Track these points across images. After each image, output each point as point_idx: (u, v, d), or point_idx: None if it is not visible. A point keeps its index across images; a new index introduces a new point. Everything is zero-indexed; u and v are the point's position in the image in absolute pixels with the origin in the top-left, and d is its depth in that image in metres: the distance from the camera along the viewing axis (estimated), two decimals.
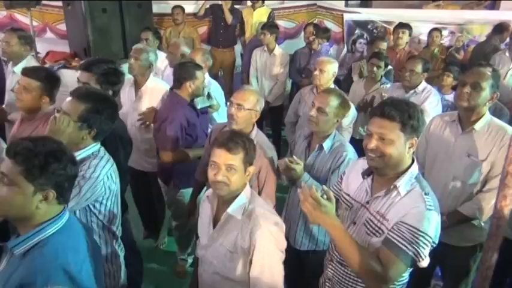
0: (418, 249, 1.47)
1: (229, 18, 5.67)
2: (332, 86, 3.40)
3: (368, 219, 1.63)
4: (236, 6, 5.93)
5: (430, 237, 1.50)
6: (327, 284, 1.85)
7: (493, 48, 4.93)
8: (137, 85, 3.18)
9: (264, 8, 5.85)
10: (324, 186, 1.55)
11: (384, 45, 4.42)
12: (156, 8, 5.42)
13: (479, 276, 1.92)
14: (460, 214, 2.31)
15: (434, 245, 1.54)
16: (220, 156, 1.69)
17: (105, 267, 2.02)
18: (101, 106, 1.91)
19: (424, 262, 1.52)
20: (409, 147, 1.56)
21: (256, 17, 5.76)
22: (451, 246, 2.35)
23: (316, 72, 3.33)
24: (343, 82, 4.61)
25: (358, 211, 1.70)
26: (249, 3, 6.15)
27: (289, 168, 2.19)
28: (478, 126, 2.30)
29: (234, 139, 1.70)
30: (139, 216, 3.57)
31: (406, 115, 1.52)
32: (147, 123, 3.10)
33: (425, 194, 1.54)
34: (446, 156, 2.39)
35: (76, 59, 4.73)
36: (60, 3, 5.11)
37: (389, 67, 4.19)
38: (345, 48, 6.35)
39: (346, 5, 6.73)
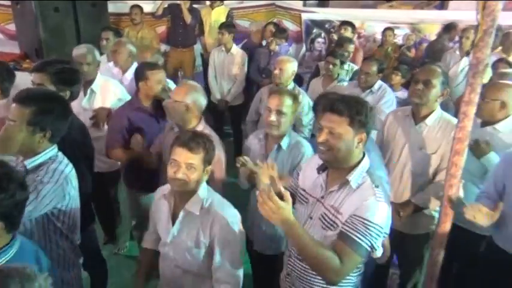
0: (371, 240, 1.53)
1: (188, 17, 5.60)
2: (292, 84, 3.47)
3: (323, 213, 1.66)
4: (195, 6, 5.86)
5: (382, 228, 1.55)
6: (287, 280, 1.88)
7: (441, 47, 5.18)
8: (85, 84, 3.04)
9: (222, 8, 5.83)
10: (282, 187, 1.57)
11: (351, 48, 4.39)
12: (113, 8, 5.29)
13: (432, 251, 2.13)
14: (412, 204, 2.43)
15: (386, 235, 1.60)
16: (181, 155, 1.73)
17: (64, 276, 1.97)
18: (48, 106, 1.79)
19: (378, 252, 1.58)
20: (358, 142, 1.60)
21: (214, 16, 5.73)
22: (405, 234, 2.49)
23: (276, 71, 3.40)
24: (309, 81, 4.63)
25: (313, 206, 1.73)
26: (207, 2, 6.12)
27: (252, 174, 2.14)
28: (429, 121, 2.42)
29: (195, 139, 1.76)
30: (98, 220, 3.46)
31: (354, 110, 1.56)
32: (97, 122, 3.02)
33: (376, 186, 1.59)
34: (400, 150, 2.49)
35: (27, 60, 4.55)
36: (8, 2, 4.90)
37: (356, 67, 4.21)
38: (304, 47, 6.45)
39: (304, 5, 6.84)
